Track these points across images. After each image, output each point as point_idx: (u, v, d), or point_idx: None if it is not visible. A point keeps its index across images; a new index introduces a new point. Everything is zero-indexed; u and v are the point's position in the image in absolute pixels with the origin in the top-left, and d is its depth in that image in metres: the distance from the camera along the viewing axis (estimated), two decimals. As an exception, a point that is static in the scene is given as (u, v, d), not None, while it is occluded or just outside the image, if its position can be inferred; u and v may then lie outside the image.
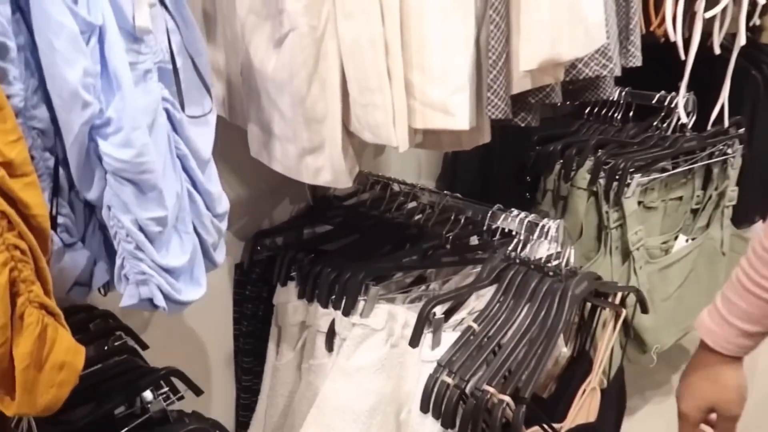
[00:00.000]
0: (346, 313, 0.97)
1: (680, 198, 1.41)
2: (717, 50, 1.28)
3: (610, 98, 1.34)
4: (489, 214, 1.07)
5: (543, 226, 1.01)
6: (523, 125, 0.90)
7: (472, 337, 0.85)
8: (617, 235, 1.26)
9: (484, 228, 1.07)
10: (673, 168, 1.31)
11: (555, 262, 0.95)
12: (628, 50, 1.01)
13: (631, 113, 1.39)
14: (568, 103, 1.13)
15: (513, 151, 1.36)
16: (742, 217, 1.69)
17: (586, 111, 1.44)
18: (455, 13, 0.80)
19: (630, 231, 1.25)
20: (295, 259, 1.07)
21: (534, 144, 1.35)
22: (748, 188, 1.63)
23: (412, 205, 1.17)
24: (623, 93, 1.36)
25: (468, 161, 1.37)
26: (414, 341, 0.88)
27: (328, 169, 0.90)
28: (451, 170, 1.44)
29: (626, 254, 1.28)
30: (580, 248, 1.29)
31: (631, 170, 1.21)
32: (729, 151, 1.37)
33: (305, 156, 0.90)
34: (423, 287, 1.07)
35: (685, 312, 1.38)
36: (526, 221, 1.03)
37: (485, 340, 0.86)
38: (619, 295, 0.96)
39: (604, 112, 1.42)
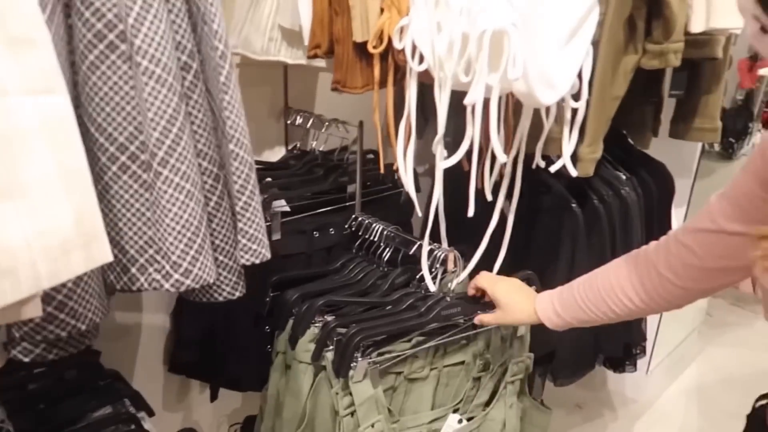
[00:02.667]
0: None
1: (462, 362, 1.13)
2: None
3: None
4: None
5: None
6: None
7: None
8: (350, 426, 0.96)
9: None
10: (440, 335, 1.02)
11: None
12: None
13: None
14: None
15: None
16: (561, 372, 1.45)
17: (356, 244, 1.15)
18: None
19: (364, 423, 0.94)
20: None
21: (271, 287, 1.05)
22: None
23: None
24: (386, 232, 1.08)
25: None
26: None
27: None
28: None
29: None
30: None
31: (363, 345, 0.91)
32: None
33: None
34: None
35: None
36: None
37: None
38: None
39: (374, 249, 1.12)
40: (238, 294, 0.83)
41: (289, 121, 1.21)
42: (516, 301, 0.98)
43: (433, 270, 1.00)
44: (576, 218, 1.35)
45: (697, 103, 1.46)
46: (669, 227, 1.58)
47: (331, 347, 0.93)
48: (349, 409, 0.94)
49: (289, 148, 1.27)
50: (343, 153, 1.19)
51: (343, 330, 0.92)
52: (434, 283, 1.02)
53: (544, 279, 1.38)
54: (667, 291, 0.81)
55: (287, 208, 1.11)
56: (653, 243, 0.86)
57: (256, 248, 0.79)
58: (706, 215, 0.75)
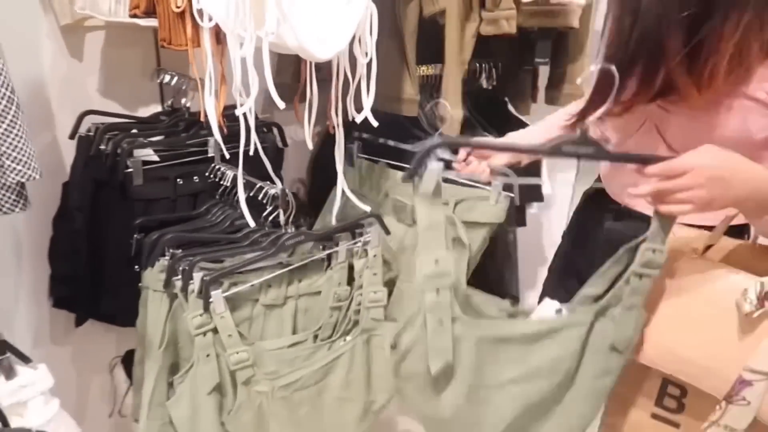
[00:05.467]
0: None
1: (318, 292, 1.27)
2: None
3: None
4: None
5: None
6: None
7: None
8: (205, 344, 1.08)
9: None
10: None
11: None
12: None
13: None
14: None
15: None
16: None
17: (219, 192, 1.27)
18: None
19: (231, 349, 1.07)
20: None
21: (136, 228, 1.16)
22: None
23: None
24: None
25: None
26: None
27: None
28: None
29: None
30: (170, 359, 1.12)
31: (209, 274, 1.03)
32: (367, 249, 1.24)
33: None
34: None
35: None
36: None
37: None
38: None
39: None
40: (19, 209, 1.02)
41: (158, 81, 1.31)
42: None
43: (268, 206, 1.13)
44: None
45: (564, 70, 1.61)
46: (539, 187, 1.74)
47: (179, 277, 1.05)
48: (201, 329, 1.07)
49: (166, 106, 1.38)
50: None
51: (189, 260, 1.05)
52: (284, 220, 1.16)
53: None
54: None
55: (154, 157, 1.22)
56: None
57: (21, 169, 0.96)
58: None
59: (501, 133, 1.63)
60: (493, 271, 1.51)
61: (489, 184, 1.24)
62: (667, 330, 0.87)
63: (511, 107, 1.70)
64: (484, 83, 1.58)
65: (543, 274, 1.33)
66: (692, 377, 0.85)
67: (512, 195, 1.24)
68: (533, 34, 1.43)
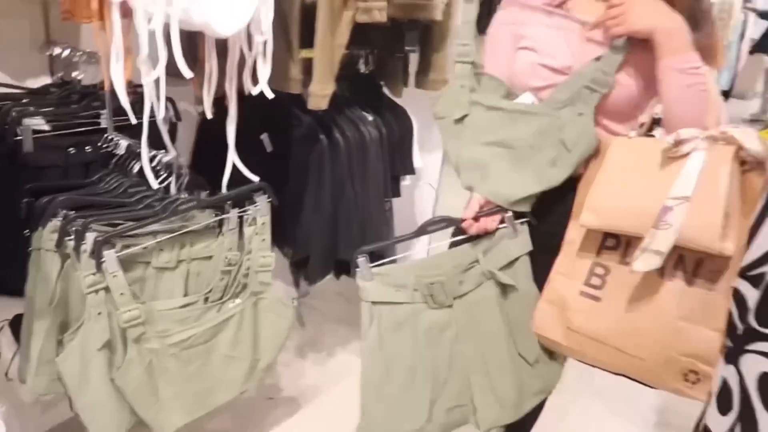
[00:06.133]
0: None
1: (210, 257, 1.36)
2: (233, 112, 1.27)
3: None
4: None
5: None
6: None
7: None
8: (97, 302, 1.15)
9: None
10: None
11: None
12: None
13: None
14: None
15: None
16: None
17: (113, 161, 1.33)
18: None
19: (123, 307, 1.14)
20: None
21: (27, 193, 1.20)
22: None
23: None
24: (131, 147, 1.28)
25: None
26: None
27: None
28: None
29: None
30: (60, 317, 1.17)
31: (100, 234, 1.10)
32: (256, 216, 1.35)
33: None
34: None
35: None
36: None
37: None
38: None
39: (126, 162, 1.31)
40: None
41: (48, 53, 1.35)
42: None
43: (162, 173, 1.22)
44: (322, 147, 1.64)
45: (430, 58, 1.81)
46: (411, 160, 1.95)
47: (72, 237, 1.11)
48: (94, 287, 1.13)
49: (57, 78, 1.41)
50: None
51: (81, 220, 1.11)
52: (176, 187, 1.24)
53: (292, 196, 1.67)
54: None
55: (44, 127, 1.26)
56: None
57: None
58: None
59: (376, 111, 1.83)
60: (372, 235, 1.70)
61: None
62: (607, 193, 1.11)
63: (385, 89, 1.90)
64: (362, 68, 1.76)
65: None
66: (629, 226, 1.08)
67: (526, 219, 1.23)
68: (403, 25, 1.62)
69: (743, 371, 0.90)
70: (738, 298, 0.96)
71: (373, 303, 1.13)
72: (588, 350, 1.17)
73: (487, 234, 1.21)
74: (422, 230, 1.19)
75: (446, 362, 1.19)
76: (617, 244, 1.18)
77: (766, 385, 0.86)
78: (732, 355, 0.95)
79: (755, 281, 0.91)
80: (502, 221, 1.21)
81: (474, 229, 1.19)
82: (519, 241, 1.23)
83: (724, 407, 0.96)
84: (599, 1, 1.19)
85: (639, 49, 1.14)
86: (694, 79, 1.11)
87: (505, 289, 1.22)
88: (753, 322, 0.89)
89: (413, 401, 1.17)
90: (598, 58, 1.15)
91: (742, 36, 6.55)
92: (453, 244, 1.23)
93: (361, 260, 1.11)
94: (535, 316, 1.22)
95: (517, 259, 1.24)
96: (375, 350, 1.13)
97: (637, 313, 1.11)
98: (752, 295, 0.92)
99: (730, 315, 0.97)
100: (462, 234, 1.21)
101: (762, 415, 0.87)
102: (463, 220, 1.19)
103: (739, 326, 0.93)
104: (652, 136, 1.23)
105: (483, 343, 1.21)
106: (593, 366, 1.20)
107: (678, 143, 1.05)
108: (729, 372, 0.94)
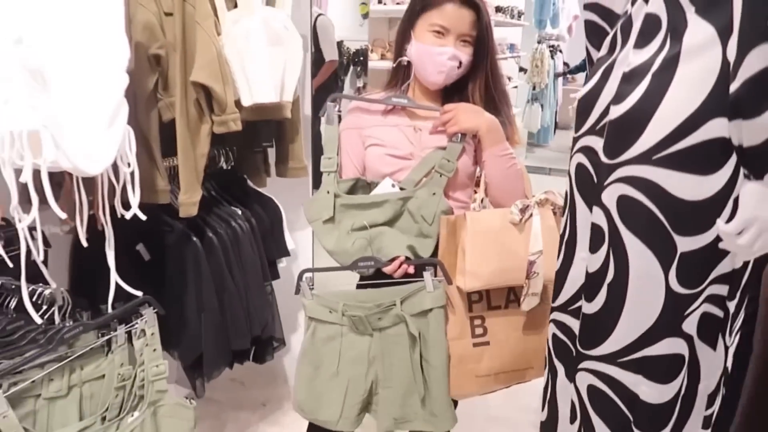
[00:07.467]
0: None
1: (102, 376, 1.37)
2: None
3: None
4: None
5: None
6: None
7: None
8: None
9: None
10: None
11: None
12: None
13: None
14: None
15: None
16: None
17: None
18: None
19: None
20: None
21: None
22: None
23: None
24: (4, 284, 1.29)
25: None
26: None
27: None
28: None
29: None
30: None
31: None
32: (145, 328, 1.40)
33: None
34: None
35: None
36: None
37: None
38: None
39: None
40: None
41: None
42: None
43: (43, 306, 1.25)
44: (196, 249, 1.72)
45: (287, 149, 1.97)
46: (284, 243, 2.07)
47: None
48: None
49: None
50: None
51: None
52: (59, 316, 1.27)
53: (176, 300, 1.72)
54: None
55: None
56: None
57: None
58: None
59: (244, 204, 1.96)
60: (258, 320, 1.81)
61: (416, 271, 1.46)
62: (480, 260, 1.40)
63: (249, 182, 2.04)
64: (224, 165, 1.88)
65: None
66: (506, 280, 1.42)
67: (442, 279, 1.43)
68: (258, 124, 1.77)
69: (579, 386, 1.13)
70: (566, 329, 1.20)
71: (310, 318, 1.48)
72: (494, 384, 1.50)
73: (409, 281, 1.44)
74: (354, 265, 1.45)
75: (363, 376, 1.49)
76: (480, 297, 1.49)
77: (594, 394, 1.09)
78: (570, 376, 1.19)
79: (575, 314, 1.16)
80: (420, 275, 1.43)
81: (398, 272, 1.43)
82: (434, 295, 1.44)
83: (573, 417, 1.18)
84: (431, 93, 1.56)
85: (467, 141, 1.51)
86: (511, 161, 1.50)
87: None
88: (579, 346, 1.13)
89: (332, 399, 1.48)
90: (444, 148, 1.49)
91: (555, 77, 7.55)
92: (364, 286, 1.49)
93: (303, 282, 1.45)
94: (450, 384, 1.46)
95: (430, 310, 1.45)
96: (309, 353, 1.49)
97: (519, 338, 1.49)
98: (574, 324, 1.16)
99: (564, 344, 1.21)
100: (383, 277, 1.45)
101: (595, 418, 1.10)
102: (389, 263, 1.43)
103: (573, 351, 1.16)
104: (485, 207, 1.59)
105: (393, 369, 1.47)
106: (494, 391, 1.53)
107: (522, 211, 1.42)
108: (571, 389, 1.17)
